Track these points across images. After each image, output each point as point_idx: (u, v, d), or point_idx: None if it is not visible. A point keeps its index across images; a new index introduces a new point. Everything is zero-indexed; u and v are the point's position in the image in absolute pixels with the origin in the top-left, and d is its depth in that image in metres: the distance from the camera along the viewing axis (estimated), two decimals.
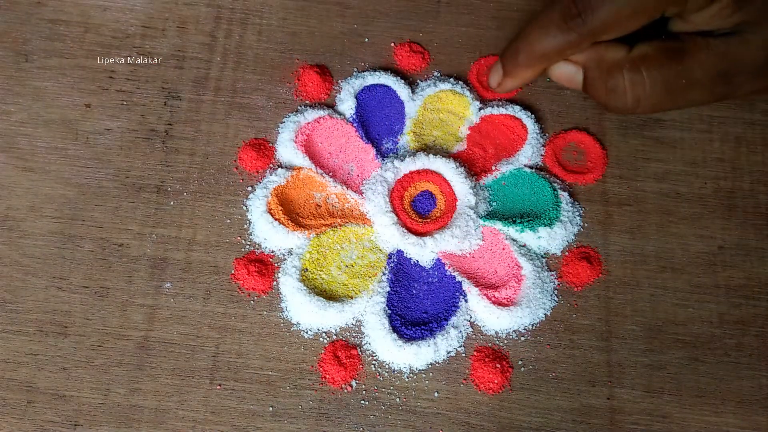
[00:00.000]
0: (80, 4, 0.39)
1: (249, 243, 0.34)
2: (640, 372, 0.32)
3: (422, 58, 0.38)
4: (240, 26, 0.38)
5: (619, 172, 0.36)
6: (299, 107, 0.37)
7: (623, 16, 0.29)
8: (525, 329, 0.32)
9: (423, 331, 0.32)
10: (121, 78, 0.37)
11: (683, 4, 0.29)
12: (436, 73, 0.38)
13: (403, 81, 0.37)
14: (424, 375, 0.32)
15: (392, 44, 0.38)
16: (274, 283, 0.33)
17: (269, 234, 0.33)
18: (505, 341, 0.32)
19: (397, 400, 0.31)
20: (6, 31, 0.38)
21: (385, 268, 0.33)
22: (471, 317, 0.33)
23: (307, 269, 0.33)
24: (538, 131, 0.36)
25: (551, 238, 0.34)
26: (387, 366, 0.32)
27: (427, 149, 0.36)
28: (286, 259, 0.33)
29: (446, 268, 0.33)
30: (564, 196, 0.35)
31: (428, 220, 0.34)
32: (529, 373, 0.32)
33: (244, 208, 0.34)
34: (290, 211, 0.34)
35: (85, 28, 0.38)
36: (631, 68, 0.30)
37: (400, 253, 0.34)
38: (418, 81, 0.38)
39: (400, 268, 0.33)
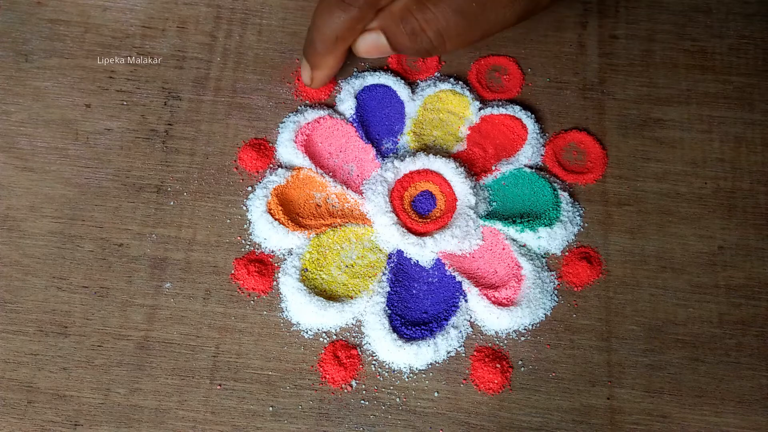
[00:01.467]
0: (80, 5, 0.39)
1: (249, 243, 0.34)
2: (640, 372, 0.32)
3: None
4: (240, 26, 0.38)
5: (619, 172, 0.36)
6: (299, 107, 0.37)
7: None
8: (525, 329, 0.32)
9: (423, 331, 0.32)
10: (121, 78, 0.37)
11: None
12: (436, 73, 0.38)
13: (403, 81, 0.37)
14: (424, 375, 0.32)
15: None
16: (274, 283, 0.33)
17: (269, 234, 0.33)
18: (505, 341, 0.32)
19: (397, 400, 0.31)
20: (6, 31, 0.38)
21: (385, 268, 0.33)
22: (471, 317, 0.33)
23: (307, 269, 0.33)
24: (538, 131, 0.36)
25: (551, 238, 0.34)
26: (387, 366, 0.32)
27: (427, 149, 0.36)
28: (286, 259, 0.33)
29: (446, 268, 0.33)
30: (564, 196, 0.35)
31: (428, 220, 0.34)
32: (529, 373, 0.32)
33: (244, 208, 0.34)
34: (290, 211, 0.34)
35: (85, 28, 0.38)
36: (418, 8, 0.30)
37: (400, 253, 0.34)
38: (418, 81, 0.38)
39: (400, 268, 0.33)
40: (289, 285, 0.32)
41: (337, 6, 0.31)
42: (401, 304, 0.33)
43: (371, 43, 0.33)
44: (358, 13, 0.31)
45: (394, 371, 0.32)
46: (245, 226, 0.34)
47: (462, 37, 0.31)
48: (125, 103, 0.37)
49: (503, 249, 0.34)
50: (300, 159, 0.35)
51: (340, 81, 0.37)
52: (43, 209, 0.34)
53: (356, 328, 0.32)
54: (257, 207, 0.34)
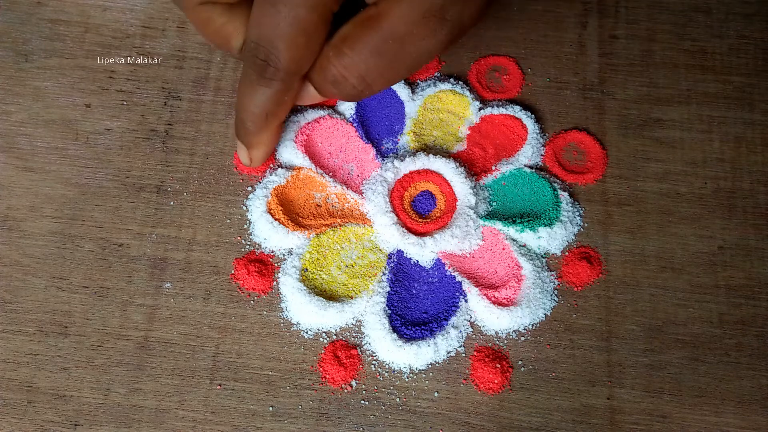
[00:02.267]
0: (80, 4, 0.39)
1: (249, 243, 0.34)
2: (640, 372, 0.32)
3: None
4: None
5: (619, 172, 0.36)
6: (299, 107, 0.36)
7: (300, 44, 0.28)
8: (525, 329, 0.32)
9: (423, 331, 0.32)
10: (121, 78, 0.37)
11: None
12: (436, 73, 0.38)
13: (403, 81, 0.37)
14: (424, 375, 0.32)
15: None
16: (274, 283, 0.33)
17: (269, 234, 0.33)
18: (505, 341, 0.32)
19: (397, 400, 0.31)
20: (6, 31, 0.38)
21: (385, 268, 0.33)
22: (471, 317, 0.33)
23: (307, 269, 0.33)
24: (538, 131, 0.36)
25: (551, 238, 0.34)
26: (387, 366, 0.32)
27: (427, 149, 0.36)
28: (286, 259, 0.33)
29: (446, 268, 0.33)
30: (564, 196, 0.35)
31: (428, 220, 0.34)
32: (529, 373, 0.32)
33: (244, 208, 0.34)
34: (290, 211, 0.34)
35: (85, 28, 0.38)
36: (335, 54, 0.29)
37: (400, 253, 0.34)
38: (418, 81, 0.38)
39: (400, 268, 0.33)
40: (289, 285, 0.32)
41: (259, 83, 0.30)
42: (401, 304, 0.33)
43: (306, 96, 0.31)
44: (281, 85, 0.30)
45: (394, 371, 0.32)
46: (245, 226, 0.34)
47: (386, 77, 0.30)
48: (125, 103, 0.37)
49: (503, 249, 0.34)
50: (300, 159, 0.35)
51: None
52: (43, 209, 0.34)
53: (356, 328, 0.32)
54: (257, 207, 0.34)
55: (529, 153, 0.36)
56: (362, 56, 0.29)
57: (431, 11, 0.28)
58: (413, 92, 0.37)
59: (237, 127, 0.32)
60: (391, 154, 0.36)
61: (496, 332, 0.32)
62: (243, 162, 0.34)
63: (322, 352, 0.32)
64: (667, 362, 0.32)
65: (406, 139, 0.36)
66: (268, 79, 0.29)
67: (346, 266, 0.33)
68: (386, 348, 0.31)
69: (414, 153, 0.35)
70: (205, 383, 0.31)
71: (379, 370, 0.32)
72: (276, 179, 0.35)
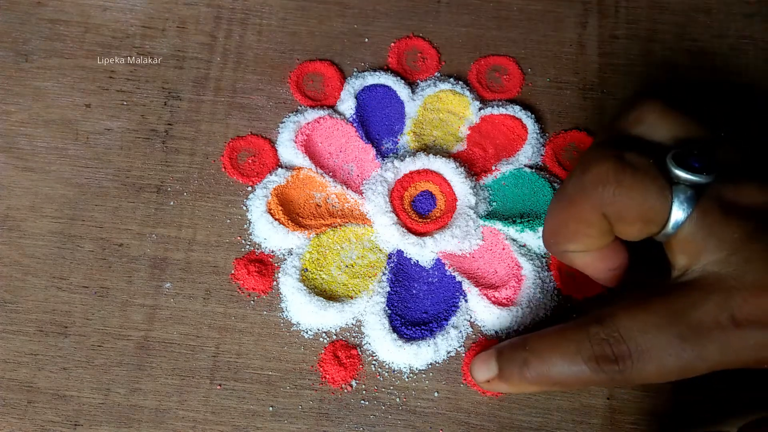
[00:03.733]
0: (80, 4, 0.39)
1: (249, 243, 0.34)
2: None
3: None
4: (240, 26, 0.38)
5: None
6: (299, 107, 0.37)
7: (667, 373, 0.25)
8: (525, 329, 0.32)
9: (423, 331, 0.32)
10: (121, 78, 0.37)
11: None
12: (436, 73, 0.38)
13: (403, 81, 0.37)
14: (424, 375, 0.32)
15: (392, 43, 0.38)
16: (274, 283, 0.33)
17: (269, 234, 0.33)
18: None
19: (397, 400, 0.31)
20: (6, 31, 0.38)
21: (385, 268, 0.33)
22: (471, 317, 0.33)
23: (307, 269, 0.33)
24: (538, 131, 0.36)
25: None
26: (387, 366, 0.32)
27: (427, 149, 0.36)
28: (286, 259, 0.33)
29: (446, 268, 0.33)
30: None
31: (428, 220, 0.34)
32: None
33: (244, 208, 0.34)
34: (290, 211, 0.34)
35: (85, 28, 0.38)
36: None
37: (400, 253, 0.34)
38: (418, 81, 0.38)
39: (400, 268, 0.33)
40: (289, 285, 0.32)
41: (586, 364, 0.25)
42: (401, 304, 0.33)
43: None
44: (606, 383, 0.26)
45: (394, 371, 0.32)
46: (245, 226, 0.34)
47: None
48: (125, 103, 0.37)
49: (503, 249, 0.34)
50: (300, 159, 0.35)
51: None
52: (43, 209, 0.34)
53: (356, 328, 0.32)
54: (257, 207, 0.34)
55: (529, 153, 0.36)
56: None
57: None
58: (413, 92, 0.37)
59: (514, 358, 0.28)
60: (391, 154, 0.36)
61: (496, 332, 0.32)
62: (476, 376, 0.29)
63: (322, 352, 0.32)
64: None
65: (406, 139, 0.36)
66: (601, 371, 0.25)
67: (346, 266, 0.33)
68: (386, 348, 0.31)
69: (414, 153, 0.35)
70: (205, 383, 0.31)
71: (379, 370, 0.32)
72: (276, 179, 0.35)
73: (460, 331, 0.32)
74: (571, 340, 0.26)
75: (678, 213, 0.25)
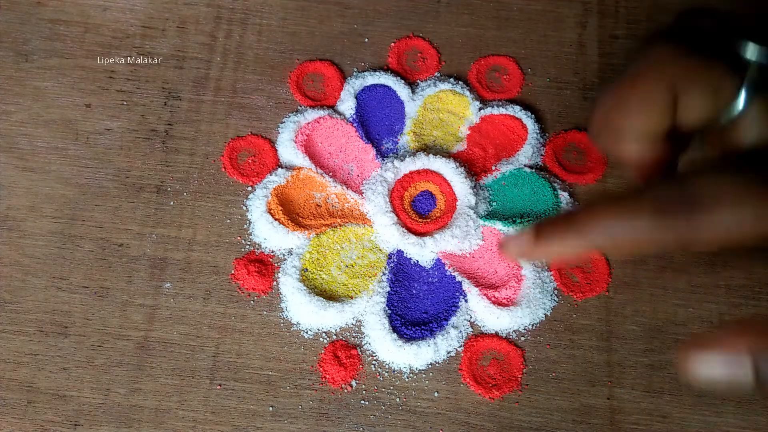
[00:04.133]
0: (80, 5, 0.39)
1: (249, 243, 0.34)
2: (640, 372, 0.32)
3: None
4: (240, 26, 0.38)
5: (619, 172, 0.35)
6: (299, 107, 0.37)
7: (741, 230, 0.22)
8: (525, 329, 0.32)
9: (423, 331, 0.32)
10: (121, 78, 0.37)
11: None
12: (436, 73, 0.38)
13: (403, 81, 0.37)
14: (424, 375, 0.32)
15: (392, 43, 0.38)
16: (274, 283, 0.33)
17: (269, 234, 0.33)
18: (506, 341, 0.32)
19: (397, 400, 0.31)
20: (6, 31, 0.38)
21: (385, 268, 0.33)
22: (471, 317, 0.33)
23: (307, 269, 0.33)
24: (538, 131, 0.36)
25: None
26: (387, 366, 0.32)
27: (427, 149, 0.36)
28: (286, 259, 0.33)
29: (446, 268, 0.33)
30: (564, 196, 0.35)
31: (428, 220, 0.34)
32: (529, 373, 0.32)
33: (244, 208, 0.34)
34: (290, 211, 0.34)
35: (85, 28, 0.38)
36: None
37: (400, 253, 0.34)
38: (418, 81, 0.38)
39: (400, 268, 0.33)
40: (289, 285, 0.32)
41: (649, 216, 0.22)
42: (401, 304, 0.33)
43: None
44: (666, 241, 0.22)
45: (394, 371, 0.32)
46: (245, 226, 0.34)
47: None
48: (125, 103, 0.37)
49: None
50: (300, 159, 0.35)
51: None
52: (43, 209, 0.34)
53: (356, 328, 0.32)
54: (257, 207, 0.34)
55: (529, 153, 0.36)
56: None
57: None
58: (413, 92, 0.37)
59: (557, 218, 0.24)
60: (391, 154, 0.36)
61: (496, 332, 0.32)
62: (510, 248, 0.25)
63: (322, 352, 0.32)
64: (667, 362, 0.32)
65: (406, 139, 0.36)
66: (665, 225, 0.22)
67: (346, 266, 0.33)
68: (386, 348, 0.31)
69: (414, 153, 0.35)
70: (205, 383, 0.31)
71: (379, 370, 0.32)
72: (276, 179, 0.35)
73: (460, 331, 0.32)
74: (632, 198, 0.23)
75: (748, 87, 0.24)
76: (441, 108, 0.37)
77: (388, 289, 0.33)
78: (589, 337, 0.32)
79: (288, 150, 0.35)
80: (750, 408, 0.31)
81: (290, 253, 0.33)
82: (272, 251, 0.34)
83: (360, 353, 0.32)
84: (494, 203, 0.35)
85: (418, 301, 0.33)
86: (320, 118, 0.36)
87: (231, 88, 0.37)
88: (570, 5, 0.39)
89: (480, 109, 0.37)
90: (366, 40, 0.38)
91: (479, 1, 0.39)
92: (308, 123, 0.36)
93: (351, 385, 0.31)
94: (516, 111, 0.36)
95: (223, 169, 0.35)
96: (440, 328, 0.32)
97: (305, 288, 0.32)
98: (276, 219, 0.33)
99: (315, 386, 0.31)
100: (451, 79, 0.37)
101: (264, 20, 0.39)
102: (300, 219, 0.34)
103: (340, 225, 0.34)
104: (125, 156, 0.35)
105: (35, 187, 0.35)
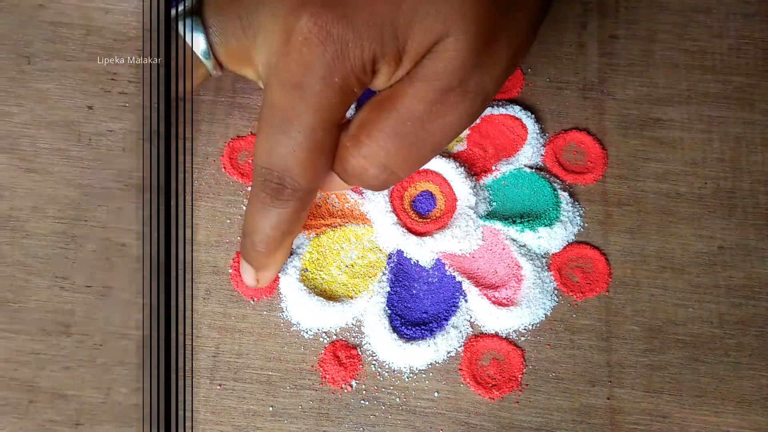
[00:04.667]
0: (82, 7, 0.39)
1: None
2: (640, 372, 0.32)
3: None
4: None
5: (619, 172, 0.36)
6: None
7: (320, 164, 0.27)
8: (525, 329, 0.32)
9: (423, 331, 0.32)
10: (123, 80, 0.37)
11: (364, 85, 0.27)
12: None
13: None
14: (424, 375, 0.32)
15: None
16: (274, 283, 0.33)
17: None
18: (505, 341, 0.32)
19: (397, 400, 0.31)
20: (7, 33, 0.38)
21: (385, 268, 0.33)
22: (471, 317, 0.33)
23: (307, 269, 0.33)
24: (538, 131, 0.36)
25: (551, 238, 0.34)
26: (387, 366, 0.32)
27: None
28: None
29: (446, 268, 0.33)
30: (564, 196, 0.35)
31: (428, 220, 0.34)
32: (528, 373, 0.32)
33: (244, 208, 0.35)
34: None
35: (87, 30, 0.38)
36: (354, 145, 0.27)
37: (400, 253, 0.34)
38: None
39: (400, 268, 0.33)
40: (289, 285, 0.32)
41: (273, 204, 0.27)
42: (401, 304, 0.33)
43: (330, 185, 0.29)
44: (299, 204, 0.28)
45: (394, 371, 0.32)
46: None
47: (410, 161, 0.27)
48: (127, 104, 0.37)
49: (503, 249, 0.34)
50: None
51: None
52: (46, 210, 0.34)
53: (356, 328, 0.32)
54: None
55: (529, 153, 0.36)
56: (380, 143, 0.26)
57: (449, 87, 0.26)
58: None
59: (246, 250, 0.30)
60: None
61: (496, 332, 0.32)
62: (248, 283, 0.32)
63: (322, 352, 0.32)
64: (667, 362, 0.32)
65: None
66: (283, 203, 0.27)
67: (346, 266, 0.33)
68: (386, 348, 0.31)
69: None
70: (205, 383, 0.31)
71: (379, 370, 0.32)
72: None
73: (460, 331, 0.32)
74: (254, 198, 0.28)
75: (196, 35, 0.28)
76: None
77: (388, 289, 0.33)
78: (589, 337, 0.32)
79: None
80: (750, 408, 0.31)
81: (290, 252, 0.34)
82: None
83: (360, 353, 0.32)
84: (494, 203, 0.35)
85: (418, 301, 0.33)
86: None
87: (231, 88, 0.37)
88: (570, 5, 0.39)
89: None
90: None
91: None
92: None
93: (351, 385, 0.31)
94: (516, 111, 0.36)
95: (223, 169, 0.35)
96: (440, 328, 0.32)
97: (305, 288, 0.32)
98: None
99: (315, 386, 0.31)
100: None
101: None
102: None
103: (340, 225, 0.34)
104: (127, 157, 0.36)
105: (38, 188, 0.35)
